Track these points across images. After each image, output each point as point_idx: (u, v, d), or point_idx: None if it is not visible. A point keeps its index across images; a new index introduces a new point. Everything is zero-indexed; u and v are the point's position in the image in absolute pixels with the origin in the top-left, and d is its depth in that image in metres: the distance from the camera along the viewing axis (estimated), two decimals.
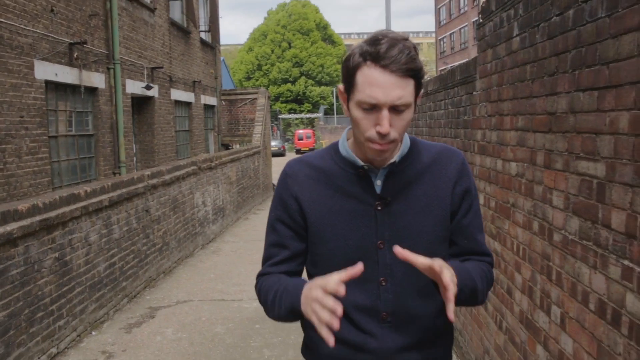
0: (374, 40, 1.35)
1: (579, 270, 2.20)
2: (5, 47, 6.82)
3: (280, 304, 1.46)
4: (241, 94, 20.27)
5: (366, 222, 1.49)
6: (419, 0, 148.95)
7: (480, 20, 3.64)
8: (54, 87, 8.20)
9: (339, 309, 1.25)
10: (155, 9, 12.24)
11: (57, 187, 8.17)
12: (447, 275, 1.28)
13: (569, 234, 2.29)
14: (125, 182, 6.21)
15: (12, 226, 4.02)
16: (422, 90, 1.43)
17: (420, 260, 1.30)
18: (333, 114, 54.67)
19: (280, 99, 50.64)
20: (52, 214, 4.57)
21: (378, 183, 1.50)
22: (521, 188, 2.89)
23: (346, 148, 1.52)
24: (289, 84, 50.34)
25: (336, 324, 1.24)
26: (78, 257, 5.07)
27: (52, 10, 8.00)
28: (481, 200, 3.67)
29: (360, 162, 1.48)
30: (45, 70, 7.76)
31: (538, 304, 2.67)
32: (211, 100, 17.28)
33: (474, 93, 3.82)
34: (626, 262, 1.84)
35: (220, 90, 18.48)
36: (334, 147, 1.57)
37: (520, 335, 2.95)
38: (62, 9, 8.30)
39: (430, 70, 58.59)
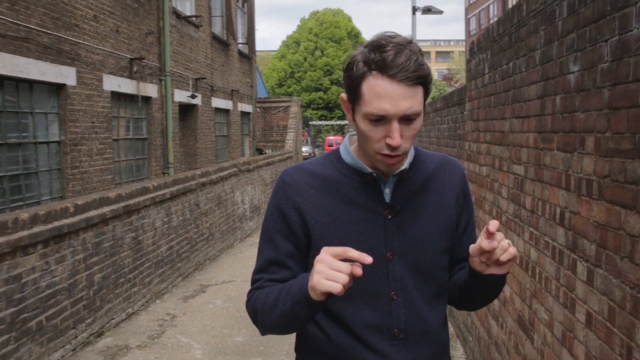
0: (378, 46, 1.27)
1: (512, 238, 3.26)
2: (82, 63, 8.11)
3: (286, 297, 1.31)
4: (275, 101, 21.55)
5: (374, 232, 1.41)
6: (451, 8, 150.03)
7: (468, 57, 4.71)
8: (117, 97, 9.49)
9: (357, 269, 1.17)
10: (201, 25, 13.53)
11: (117, 183, 9.44)
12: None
13: (508, 215, 3.36)
14: (182, 179, 7.42)
15: (105, 209, 5.23)
16: (429, 95, 1.36)
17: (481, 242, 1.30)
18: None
19: (312, 106, 51.86)
20: (131, 201, 5.78)
21: (387, 191, 1.43)
22: (487, 185, 3.95)
23: (351, 154, 1.45)
24: (320, 92, 51.52)
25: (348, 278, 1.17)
26: (147, 238, 6.28)
27: (117, 31, 9.30)
28: None
29: (369, 169, 1.42)
30: (111, 83, 9.05)
31: None
32: (247, 108, 18.54)
33: (464, 112, 4.88)
34: (531, 229, 2.91)
35: (255, 98, 19.75)
36: (335, 154, 1.50)
37: None
38: (125, 29, 9.59)
39: (461, 79, 59.08)
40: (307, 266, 1.45)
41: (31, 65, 6.52)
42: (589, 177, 2.15)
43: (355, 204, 1.42)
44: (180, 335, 5.34)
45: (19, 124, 6.56)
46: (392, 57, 1.25)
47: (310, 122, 51.85)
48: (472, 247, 1.34)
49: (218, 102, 15.25)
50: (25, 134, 6.69)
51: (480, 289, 1.45)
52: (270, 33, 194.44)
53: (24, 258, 4.08)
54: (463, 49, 70.37)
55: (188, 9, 13.12)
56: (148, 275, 6.29)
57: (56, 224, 4.42)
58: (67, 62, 7.68)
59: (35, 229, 4.16)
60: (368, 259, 1.15)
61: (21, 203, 6.58)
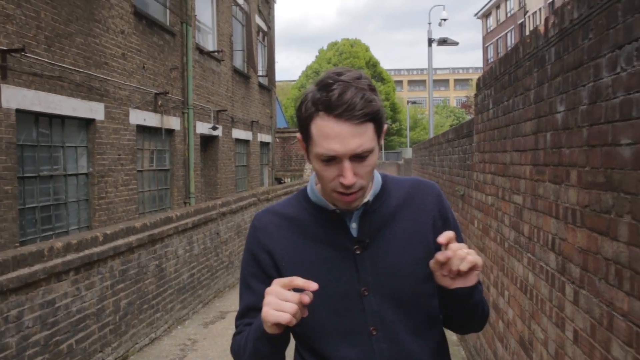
0: (325, 85, 1.27)
1: (513, 264, 3.46)
2: (110, 99, 8.52)
3: (249, 336, 1.36)
4: (294, 131, 21.93)
5: (346, 268, 1.40)
6: (469, 36, 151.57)
7: (476, 92, 4.96)
8: (142, 130, 9.89)
9: (305, 297, 1.20)
10: (223, 60, 14.00)
11: (141, 213, 9.77)
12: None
13: (510, 241, 3.56)
14: (203, 209, 7.71)
15: (131, 238, 5.52)
16: (386, 126, 1.37)
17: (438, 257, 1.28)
18: (380, 150, 56.09)
19: None
20: (155, 231, 6.07)
21: (353, 226, 1.42)
22: (492, 213, 4.16)
23: (315, 193, 1.46)
24: None
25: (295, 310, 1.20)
26: (170, 266, 6.55)
27: (143, 67, 9.75)
28: (474, 224, 4.94)
29: (331, 206, 1.41)
30: (137, 117, 9.46)
31: (500, 291, 3.92)
32: (266, 138, 18.93)
33: (472, 144, 5.11)
34: (529, 255, 3.11)
35: (275, 129, 20.16)
36: (303, 193, 1.51)
37: (492, 317, 4.18)
38: (151, 65, 10.04)
39: None
40: None
41: (64, 102, 6.92)
42: (573, 207, 2.37)
43: (324, 242, 1.42)
44: (200, 359, 5.55)
45: (50, 157, 6.94)
46: (337, 96, 1.24)
47: None
48: (430, 262, 1.32)
49: (238, 133, 15.65)
50: (56, 167, 7.06)
51: (454, 306, 1.41)
52: (290, 63, 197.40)
53: (58, 284, 4.36)
54: None
55: (210, 44, 13.62)
56: (170, 301, 6.54)
57: (87, 252, 4.71)
58: (96, 98, 8.09)
59: (68, 257, 4.46)
60: (313, 286, 1.20)
61: (51, 233, 6.92)
